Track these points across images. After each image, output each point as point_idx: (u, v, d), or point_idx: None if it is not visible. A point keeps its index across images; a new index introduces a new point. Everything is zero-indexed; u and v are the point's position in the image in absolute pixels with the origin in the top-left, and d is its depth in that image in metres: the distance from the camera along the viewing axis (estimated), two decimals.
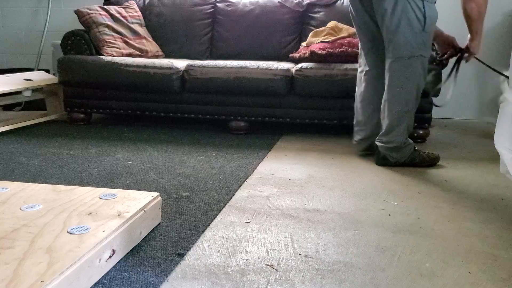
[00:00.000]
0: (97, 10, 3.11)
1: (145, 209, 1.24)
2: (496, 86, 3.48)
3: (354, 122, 2.25)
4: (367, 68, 2.13)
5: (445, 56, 2.24)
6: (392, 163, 2.05)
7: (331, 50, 2.68)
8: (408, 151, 2.04)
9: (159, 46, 3.32)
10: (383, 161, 2.06)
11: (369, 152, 2.19)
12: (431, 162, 2.08)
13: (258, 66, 2.67)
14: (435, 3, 1.95)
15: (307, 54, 2.78)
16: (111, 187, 1.67)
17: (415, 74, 1.94)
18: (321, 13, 3.23)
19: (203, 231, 1.32)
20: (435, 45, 2.27)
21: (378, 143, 2.05)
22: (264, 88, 2.61)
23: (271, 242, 1.26)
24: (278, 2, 3.31)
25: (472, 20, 1.92)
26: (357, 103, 2.21)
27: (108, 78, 2.79)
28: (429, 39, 1.96)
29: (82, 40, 3.04)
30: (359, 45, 2.17)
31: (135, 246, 1.20)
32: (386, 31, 1.91)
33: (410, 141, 2.05)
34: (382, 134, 2.03)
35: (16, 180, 1.74)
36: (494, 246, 1.26)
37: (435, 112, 3.27)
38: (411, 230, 1.36)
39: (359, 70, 2.20)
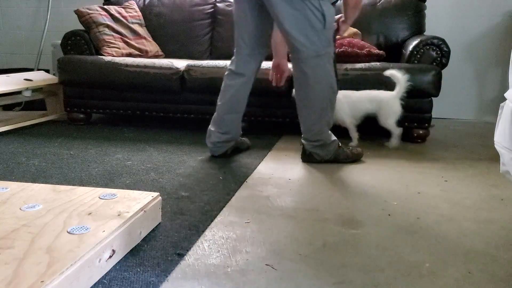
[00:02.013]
0: (97, 10, 3.11)
1: (145, 209, 1.24)
2: (496, 86, 3.49)
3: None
4: (241, 71, 2.08)
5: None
6: (317, 160, 2.07)
7: None
8: (333, 148, 2.06)
9: (159, 46, 3.32)
10: (308, 158, 2.08)
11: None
12: (355, 158, 2.13)
13: None
14: (333, 3, 1.97)
15: None
16: (111, 187, 1.67)
17: (325, 72, 1.96)
18: None
19: (203, 231, 1.32)
20: None
21: (303, 142, 2.06)
22: (264, 88, 2.60)
23: (271, 242, 1.26)
24: None
25: (348, 7, 2.01)
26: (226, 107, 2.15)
27: (108, 78, 2.79)
28: (331, 35, 1.98)
29: (82, 40, 3.04)
30: (235, 49, 2.10)
31: (135, 246, 1.20)
32: (288, 34, 1.89)
33: (335, 138, 2.07)
34: (305, 132, 2.04)
35: (16, 180, 1.74)
36: (494, 246, 1.26)
37: (435, 112, 3.27)
38: (411, 230, 1.36)
39: (229, 72, 2.12)
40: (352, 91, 2.47)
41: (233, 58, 2.11)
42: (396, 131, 2.42)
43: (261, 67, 2.68)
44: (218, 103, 2.13)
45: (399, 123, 2.43)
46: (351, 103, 2.42)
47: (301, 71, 1.94)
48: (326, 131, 2.04)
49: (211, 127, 2.15)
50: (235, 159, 2.13)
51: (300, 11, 1.84)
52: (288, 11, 1.84)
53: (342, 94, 2.38)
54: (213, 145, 2.15)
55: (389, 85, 2.41)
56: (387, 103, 2.38)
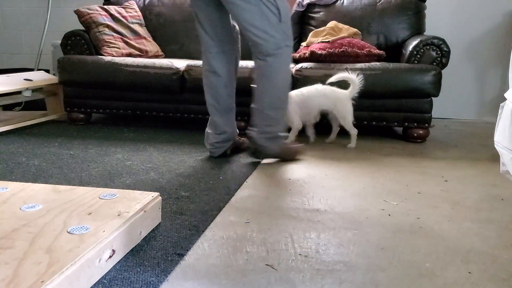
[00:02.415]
0: (97, 10, 3.11)
1: (145, 209, 1.24)
2: (496, 86, 3.49)
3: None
4: (214, 69, 2.08)
5: None
6: (263, 155, 2.06)
7: (331, 50, 2.68)
8: (281, 142, 2.07)
9: (159, 46, 3.32)
10: (255, 153, 2.08)
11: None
12: (298, 154, 2.14)
13: None
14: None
15: (307, 54, 2.78)
16: (111, 187, 1.67)
17: (284, 65, 1.98)
18: (321, 13, 3.23)
19: (203, 231, 1.32)
20: None
21: (253, 136, 2.03)
22: None
23: (271, 242, 1.26)
24: None
25: None
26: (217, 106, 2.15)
27: (108, 78, 2.79)
28: (289, 28, 1.98)
29: (82, 40, 3.04)
30: (202, 48, 2.09)
31: (135, 246, 1.20)
32: (246, 29, 1.90)
33: (282, 133, 2.07)
34: (256, 125, 2.02)
35: (16, 180, 1.74)
36: (494, 246, 1.26)
37: (435, 112, 3.27)
38: (411, 230, 1.36)
39: (204, 72, 2.12)
40: (304, 88, 2.47)
41: (203, 57, 2.10)
42: (354, 131, 2.44)
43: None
44: (207, 104, 2.14)
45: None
46: (303, 100, 2.42)
47: (262, 64, 1.94)
48: (281, 122, 2.04)
49: (208, 129, 2.16)
50: (235, 159, 2.13)
51: (255, 6, 1.85)
52: (244, 6, 1.85)
53: (294, 94, 2.41)
54: (212, 146, 2.15)
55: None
56: (341, 102, 2.40)
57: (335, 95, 2.40)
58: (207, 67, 2.09)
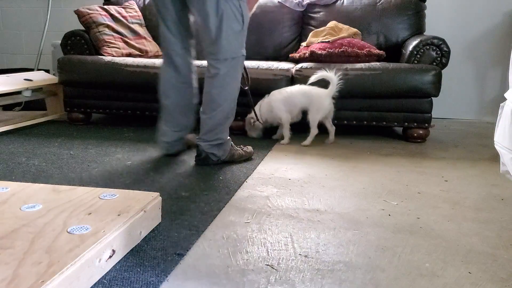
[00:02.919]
0: (97, 10, 3.11)
1: (145, 209, 1.24)
2: (496, 86, 3.49)
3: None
4: (176, 68, 2.07)
5: None
6: (214, 161, 2.04)
7: (331, 50, 2.68)
8: (228, 147, 2.06)
9: (159, 46, 3.32)
10: (204, 161, 2.04)
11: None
12: (248, 156, 2.14)
13: (258, 66, 2.67)
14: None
15: (307, 54, 2.78)
16: (111, 187, 1.67)
17: (238, 73, 1.99)
18: (321, 13, 3.23)
19: (203, 231, 1.32)
20: None
21: (201, 144, 2.01)
22: (264, 88, 2.61)
23: (271, 242, 1.26)
24: (278, 2, 3.31)
25: None
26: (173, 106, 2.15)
27: (108, 78, 2.79)
28: (245, 38, 1.98)
29: (82, 40, 3.04)
30: (163, 44, 2.09)
31: (135, 246, 1.20)
32: (209, 34, 1.88)
33: (229, 137, 2.07)
34: (205, 133, 2.00)
35: (16, 180, 1.74)
36: (494, 246, 1.26)
37: (435, 112, 3.27)
38: (411, 230, 1.36)
39: (164, 69, 2.11)
40: (285, 87, 2.52)
41: (164, 55, 2.10)
42: (314, 131, 2.46)
43: (260, 67, 2.69)
44: (164, 102, 2.12)
45: (332, 122, 2.52)
46: (285, 98, 2.47)
47: (217, 72, 1.93)
48: (227, 130, 2.04)
49: (164, 126, 2.14)
50: None
51: (224, 11, 1.85)
52: (212, 11, 1.84)
53: (277, 92, 2.48)
54: (168, 144, 2.16)
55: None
56: (317, 99, 2.43)
57: (313, 93, 2.44)
58: (168, 65, 2.08)
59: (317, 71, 2.44)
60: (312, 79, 2.42)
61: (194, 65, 2.13)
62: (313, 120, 2.44)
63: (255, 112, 2.49)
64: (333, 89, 2.41)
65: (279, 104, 2.47)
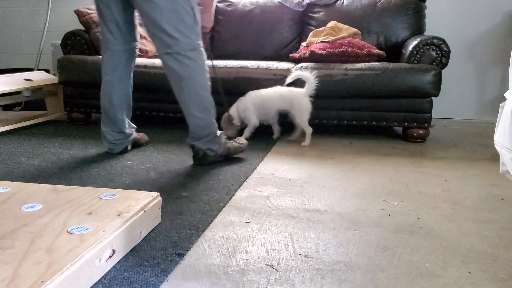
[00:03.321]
0: None
1: (145, 209, 1.24)
2: (496, 86, 3.49)
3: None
4: (114, 68, 2.08)
5: None
6: (213, 157, 2.03)
7: (331, 50, 2.68)
8: (223, 140, 2.05)
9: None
10: (203, 159, 2.02)
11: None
12: (244, 148, 2.15)
13: (258, 66, 2.67)
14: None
15: (307, 54, 2.78)
16: (111, 187, 1.67)
17: (203, 64, 1.96)
18: (321, 13, 3.23)
19: (203, 231, 1.32)
20: None
21: (194, 142, 2.00)
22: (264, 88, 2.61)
23: (271, 242, 1.26)
24: (278, 2, 3.31)
25: None
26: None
27: None
28: (199, 30, 1.97)
29: (82, 40, 3.04)
30: (103, 45, 2.08)
31: (135, 246, 1.20)
32: (159, 28, 1.87)
33: (220, 131, 2.06)
34: (194, 131, 1.99)
35: (16, 180, 1.74)
36: (494, 246, 1.26)
37: (435, 112, 3.27)
38: (411, 230, 1.36)
39: (105, 70, 2.10)
40: (262, 89, 2.54)
41: (103, 55, 2.09)
42: (309, 130, 2.47)
43: (260, 67, 2.69)
44: (104, 103, 2.12)
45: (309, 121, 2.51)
46: (261, 101, 2.49)
47: (179, 66, 1.90)
48: (215, 122, 2.03)
49: (103, 128, 2.16)
50: (235, 159, 2.13)
51: (171, 4, 1.84)
52: (159, 4, 1.84)
53: (254, 93, 2.50)
54: (111, 144, 2.17)
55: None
56: (297, 100, 2.44)
57: (290, 94, 2.46)
58: (107, 65, 2.08)
59: (293, 71, 2.46)
60: (289, 79, 2.45)
61: (133, 66, 2.15)
62: (302, 121, 2.46)
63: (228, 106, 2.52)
64: (310, 88, 2.43)
65: (252, 106, 2.49)
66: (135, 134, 2.27)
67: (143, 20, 1.93)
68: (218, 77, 2.32)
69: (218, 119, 2.09)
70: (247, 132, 2.52)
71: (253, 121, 2.51)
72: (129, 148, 2.24)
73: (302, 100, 2.43)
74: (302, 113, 2.44)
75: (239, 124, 2.53)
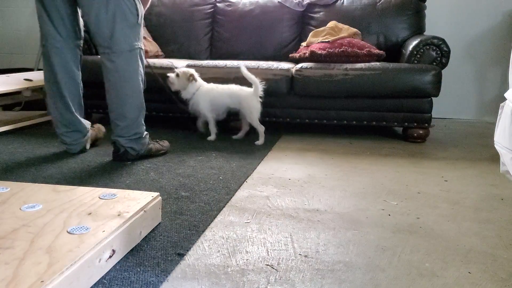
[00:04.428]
0: None
1: (145, 209, 1.24)
2: (496, 86, 3.49)
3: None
4: (61, 66, 2.07)
5: None
6: (133, 155, 2.05)
7: (331, 50, 2.68)
8: (147, 141, 2.08)
9: (159, 46, 3.32)
10: (123, 156, 2.05)
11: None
12: (165, 149, 2.19)
13: (258, 66, 2.67)
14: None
15: (307, 54, 2.78)
16: (111, 187, 1.67)
17: (138, 66, 1.98)
18: (321, 13, 3.23)
19: (203, 231, 1.32)
20: None
21: (118, 139, 2.02)
22: (264, 88, 2.61)
23: (271, 242, 1.26)
24: (278, 2, 3.31)
25: None
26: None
27: None
28: (141, 31, 2.00)
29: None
30: (46, 42, 2.06)
31: (135, 246, 1.20)
32: (101, 27, 1.89)
33: (146, 132, 2.09)
34: (121, 129, 2.00)
35: (16, 180, 1.73)
36: (494, 246, 1.26)
37: (435, 112, 3.27)
38: (411, 230, 1.36)
39: (48, 69, 2.08)
40: (216, 85, 2.56)
41: (46, 53, 2.07)
42: (260, 128, 2.49)
43: (260, 67, 2.69)
44: (52, 104, 2.11)
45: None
46: (213, 97, 2.52)
47: (116, 66, 1.93)
48: (143, 123, 2.05)
49: (58, 130, 2.14)
50: (235, 159, 2.13)
51: (116, 4, 1.86)
52: (103, 4, 1.85)
53: (206, 88, 2.53)
54: (70, 144, 2.16)
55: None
56: (245, 99, 2.47)
57: (239, 93, 2.49)
58: (49, 64, 2.06)
59: (241, 68, 2.45)
60: (244, 74, 2.46)
61: (79, 65, 2.14)
62: (252, 120, 2.49)
63: (177, 101, 2.57)
64: (257, 89, 2.46)
65: (206, 101, 2.52)
66: (91, 131, 2.26)
67: (85, 17, 1.94)
68: (155, 73, 2.39)
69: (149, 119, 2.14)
70: (212, 128, 2.55)
71: (209, 116, 2.54)
72: (87, 147, 2.24)
73: (251, 100, 2.47)
74: (251, 112, 2.47)
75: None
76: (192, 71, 2.55)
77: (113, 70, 1.94)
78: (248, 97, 2.46)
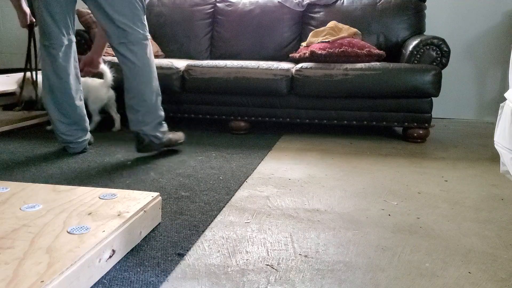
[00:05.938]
0: None
1: (145, 209, 1.24)
2: (496, 86, 3.49)
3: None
4: (62, 66, 2.07)
5: None
6: (156, 146, 2.10)
7: (331, 50, 2.68)
8: (166, 127, 2.13)
9: (159, 46, 3.32)
10: (148, 147, 2.10)
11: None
12: (181, 139, 2.24)
13: (258, 66, 2.67)
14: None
15: (307, 54, 2.78)
16: (111, 187, 1.67)
17: (151, 52, 2.04)
18: (321, 13, 3.23)
19: (203, 231, 1.32)
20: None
21: (142, 128, 2.04)
22: (264, 88, 2.61)
23: (271, 242, 1.26)
24: (278, 2, 3.31)
25: (101, 37, 2.27)
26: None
27: None
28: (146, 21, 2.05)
29: (82, 40, 3.04)
30: (48, 42, 2.06)
31: (135, 246, 1.20)
32: (114, 19, 1.91)
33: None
34: (143, 115, 2.03)
35: (16, 180, 1.74)
36: (494, 246, 1.26)
37: (435, 112, 3.28)
38: (411, 230, 1.36)
39: (54, 69, 2.08)
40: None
41: (48, 52, 2.06)
42: (96, 118, 2.68)
43: (260, 67, 2.70)
44: (53, 104, 2.10)
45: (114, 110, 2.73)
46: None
47: (136, 55, 1.97)
48: (161, 108, 2.10)
49: (57, 131, 2.14)
50: (235, 159, 2.13)
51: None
52: (112, 2, 1.88)
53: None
54: (72, 143, 2.17)
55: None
56: (93, 89, 2.60)
57: (89, 83, 2.60)
58: (49, 61, 2.06)
59: (101, 65, 2.50)
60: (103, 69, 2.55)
61: (77, 60, 2.16)
62: (92, 109, 2.64)
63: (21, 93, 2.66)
64: (107, 79, 2.57)
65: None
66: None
67: (95, 11, 1.96)
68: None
69: None
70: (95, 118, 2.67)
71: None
72: (87, 146, 2.25)
73: (99, 90, 2.59)
74: (95, 102, 2.63)
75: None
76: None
77: (132, 59, 1.97)
78: (96, 86, 2.60)
